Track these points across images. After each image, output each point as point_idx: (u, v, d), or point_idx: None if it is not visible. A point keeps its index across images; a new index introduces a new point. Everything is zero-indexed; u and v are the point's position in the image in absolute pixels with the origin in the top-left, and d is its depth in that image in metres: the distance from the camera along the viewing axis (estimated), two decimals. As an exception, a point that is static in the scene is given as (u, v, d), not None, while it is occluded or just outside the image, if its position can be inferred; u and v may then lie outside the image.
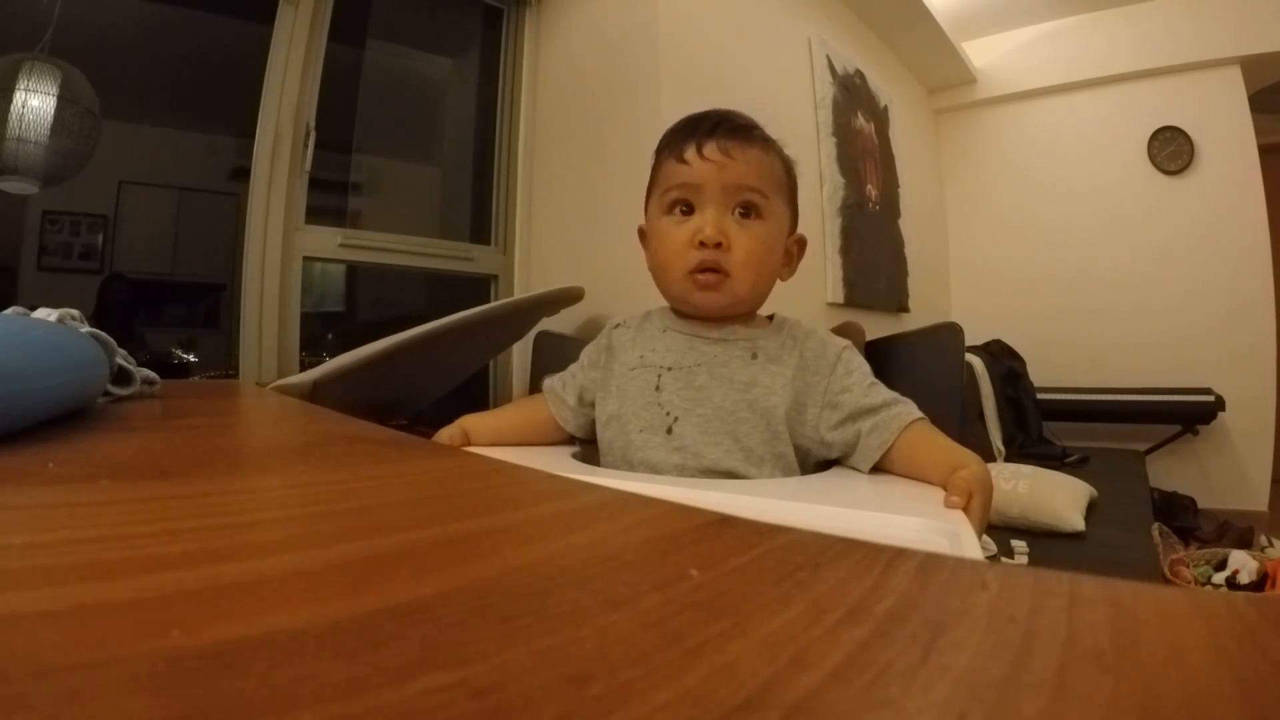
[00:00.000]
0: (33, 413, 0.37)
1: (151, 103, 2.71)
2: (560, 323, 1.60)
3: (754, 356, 0.68)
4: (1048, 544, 1.57)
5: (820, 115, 2.29)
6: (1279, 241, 2.78)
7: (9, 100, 1.50)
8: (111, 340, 0.56)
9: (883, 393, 0.65)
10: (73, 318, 0.58)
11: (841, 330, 1.14)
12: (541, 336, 1.63)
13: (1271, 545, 1.95)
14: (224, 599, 0.14)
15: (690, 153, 0.68)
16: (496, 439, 0.74)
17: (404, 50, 2.31)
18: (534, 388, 0.87)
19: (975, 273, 3.38)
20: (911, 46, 3.00)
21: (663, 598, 0.15)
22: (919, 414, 0.63)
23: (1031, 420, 2.71)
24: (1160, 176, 2.94)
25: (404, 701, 0.10)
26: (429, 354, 1.06)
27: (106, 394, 0.56)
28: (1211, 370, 2.70)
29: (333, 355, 1.14)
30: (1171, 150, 2.91)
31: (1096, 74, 3.05)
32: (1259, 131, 2.77)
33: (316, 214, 1.73)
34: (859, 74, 2.61)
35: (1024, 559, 1.50)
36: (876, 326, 1.66)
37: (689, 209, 0.69)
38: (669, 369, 0.69)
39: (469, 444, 0.72)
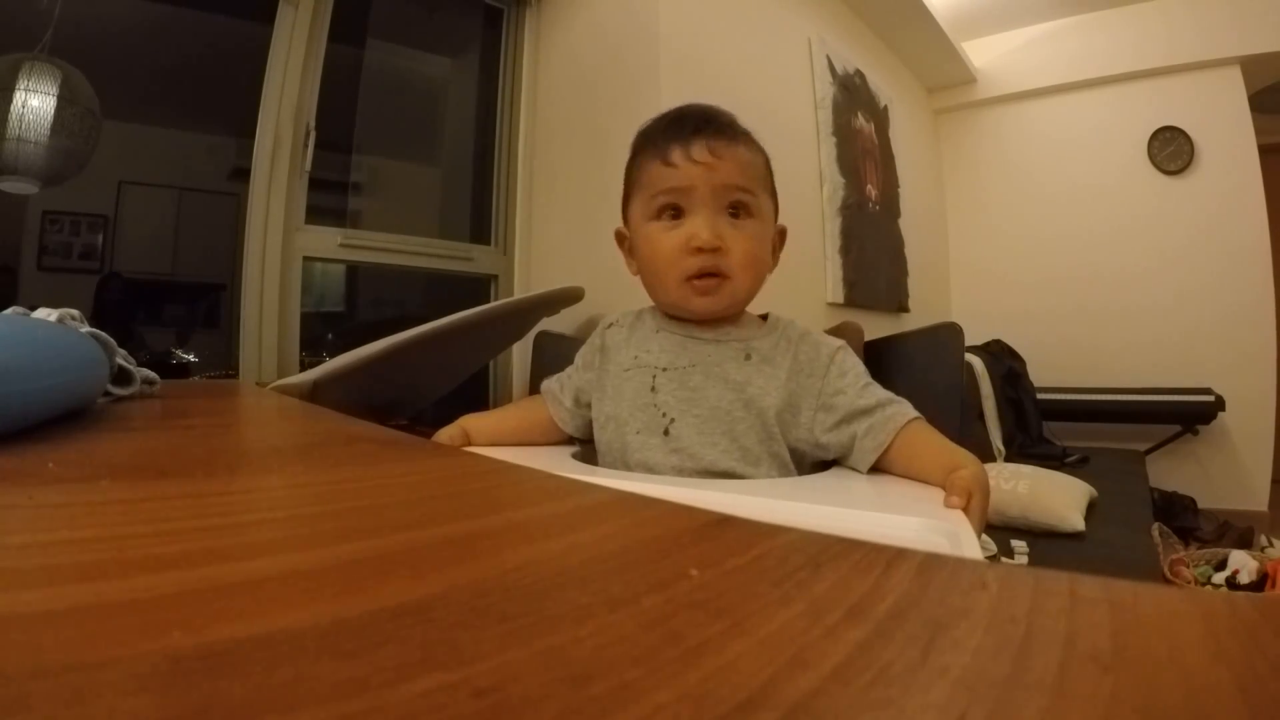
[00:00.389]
0: (33, 413, 0.37)
1: (151, 103, 2.71)
2: (560, 323, 1.60)
3: (748, 357, 0.68)
4: (1048, 544, 1.57)
5: (820, 115, 2.29)
6: (1279, 241, 2.78)
7: (9, 100, 1.50)
8: (111, 340, 0.56)
9: (877, 393, 0.65)
10: (73, 318, 0.58)
11: (839, 330, 1.14)
12: (541, 336, 1.63)
13: (1271, 545, 1.95)
14: (224, 599, 0.14)
15: (677, 155, 0.66)
16: (496, 439, 0.74)
17: (404, 50, 2.31)
18: (534, 388, 0.87)
19: (975, 273, 3.38)
20: (911, 46, 3.00)
21: (663, 598, 0.15)
22: (915, 413, 0.62)
23: (1031, 420, 2.71)
24: (1160, 176, 2.94)
25: (404, 701, 0.10)
26: (429, 354, 1.06)
27: (106, 394, 0.56)
28: (1211, 370, 2.70)
29: (333, 355, 1.14)
30: (1171, 150, 2.91)
31: (1096, 74, 3.05)
32: (1259, 131, 2.77)
33: (316, 214, 1.73)
34: (859, 74, 2.61)
35: (1024, 559, 1.50)
36: (876, 327, 1.66)
37: (678, 213, 0.67)
38: (663, 369, 0.69)
39: (469, 444, 0.72)
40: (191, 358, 2.49)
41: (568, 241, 1.93)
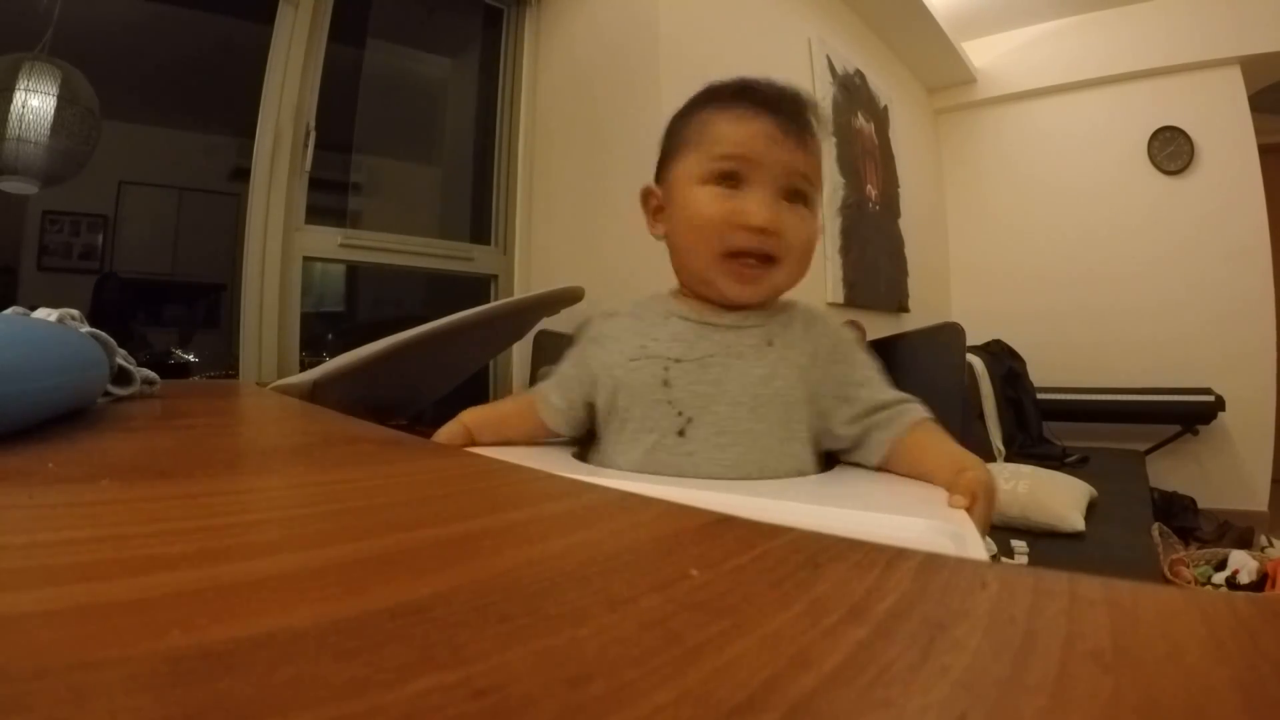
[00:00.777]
0: (33, 413, 0.37)
1: (151, 103, 2.71)
2: (560, 323, 1.60)
3: (769, 344, 0.63)
4: (1048, 544, 1.57)
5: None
6: (1279, 241, 2.78)
7: (9, 100, 1.50)
8: (111, 340, 0.56)
9: (892, 389, 0.63)
10: (73, 318, 0.58)
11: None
12: (542, 336, 1.63)
13: (1271, 545, 1.95)
14: (224, 599, 0.14)
15: (752, 120, 0.60)
16: (498, 433, 0.72)
17: (404, 50, 2.31)
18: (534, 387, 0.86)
19: (975, 273, 3.38)
20: (911, 46, 3.00)
21: (663, 598, 0.15)
22: (927, 414, 0.61)
23: (1031, 420, 2.71)
24: (1160, 176, 2.94)
25: (404, 701, 0.10)
26: (429, 354, 1.06)
27: (106, 394, 0.56)
28: (1211, 370, 2.70)
29: (333, 355, 1.14)
30: (1171, 150, 2.91)
31: (1096, 74, 3.05)
32: (1259, 131, 2.77)
33: (316, 214, 1.73)
34: (859, 74, 2.61)
35: (1024, 559, 1.50)
36: (876, 326, 1.66)
37: (734, 182, 0.61)
38: (677, 360, 0.62)
39: (470, 439, 0.70)
40: (191, 358, 2.49)
41: (568, 241, 1.93)
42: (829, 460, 0.66)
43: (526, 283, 2.00)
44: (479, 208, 2.10)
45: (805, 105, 0.64)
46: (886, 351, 0.68)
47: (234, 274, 1.73)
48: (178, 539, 0.19)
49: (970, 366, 2.55)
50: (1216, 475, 2.74)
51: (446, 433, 0.70)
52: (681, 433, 0.61)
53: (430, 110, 2.43)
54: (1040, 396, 2.80)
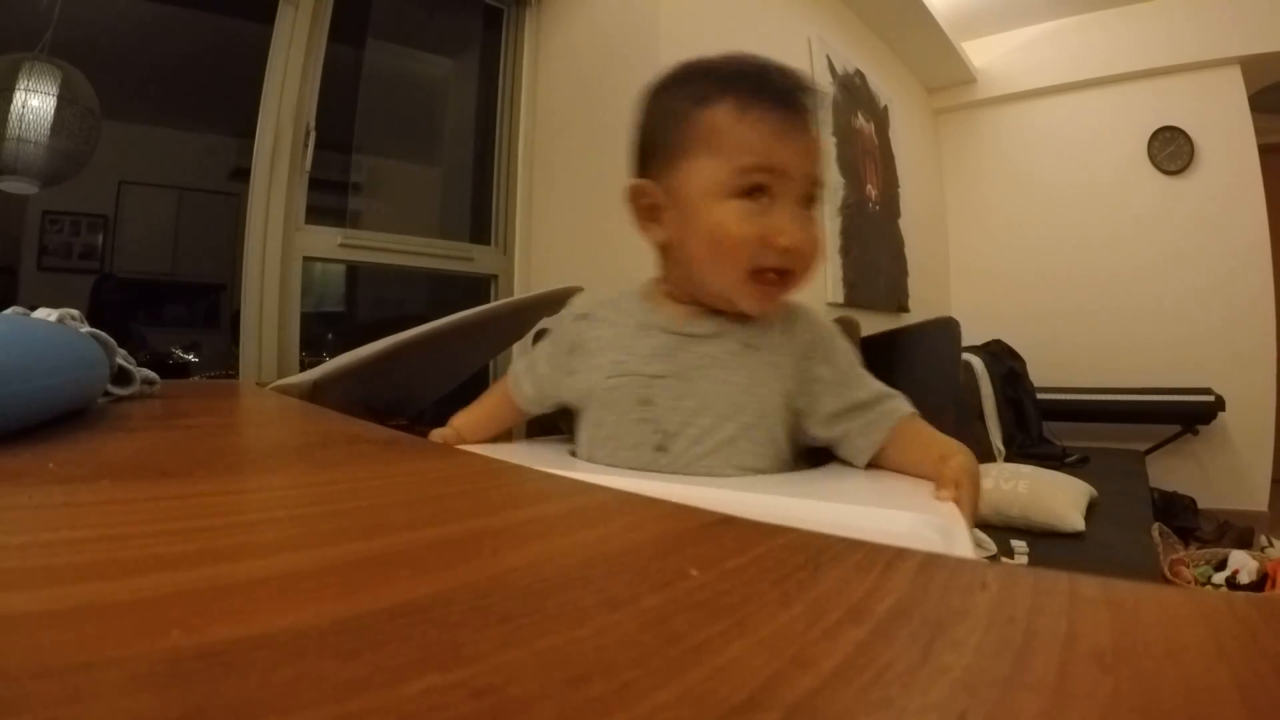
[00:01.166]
0: (33, 413, 0.37)
1: (151, 103, 2.71)
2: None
3: (748, 347, 0.61)
4: (1048, 544, 1.57)
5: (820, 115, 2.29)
6: (1279, 241, 2.78)
7: (9, 100, 1.50)
8: (111, 340, 0.56)
9: (871, 384, 0.62)
10: (73, 318, 0.58)
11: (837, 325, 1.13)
12: (542, 335, 1.62)
13: (1271, 545, 1.95)
14: (224, 599, 0.14)
15: (776, 122, 0.56)
16: (487, 430, 0.72)
17: (404, 50, 2.31)
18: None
19: (975, 273, 3.38)
20: (911, 46, 3.00)
21: (663, 598, 0.15)
22: (909, 408, 0.60)
23: (1031, 420, 2.71)
24: (1160, 176, 2.94)
25: (404, 701, 0.10)
26: (429, 354, 1.06)
27: (106, 394, 0.56)
28: (1211, 370, 2.70)
29: (333, 355, 1.14)
30: (1171, 150, 2.91)
31: (1096, 74, 3.05)
32: (1259, 131, 2.77)
33: (316, 214, 1.73)
34: (859, 74, 2.61)
35: (1024, 559, 1.50)
36: (876, 327, 1.66)
37: (760, 194, 0.56)
38: (658, 377, 0.60)
39: (461, 441, 0.70)
40: (192, 358, 2.49)
41: (568, 241, 1.93)
42: (816, 458, 0.65)
43: (526, 283, 2.00)
44: (479, 208, 2.10)
45: (810, 91, 0.60)
46: (883, 346, 0.67)
47: (234, 274, 1.73)
48: (178, 539, 0.19)
49: (970, 366, 2.55)
50: (1216, 475, 2.74)
51: (438, 436, 0.70)
52: (662, 448, 0.59)
53: (430, 110, 2.43)
54: (1040, 396, 2.80)
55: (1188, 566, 1.70)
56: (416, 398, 1.28)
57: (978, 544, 0.48)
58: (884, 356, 0.64)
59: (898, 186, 2.85)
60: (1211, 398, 2.61)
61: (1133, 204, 2.98)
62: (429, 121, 2.43)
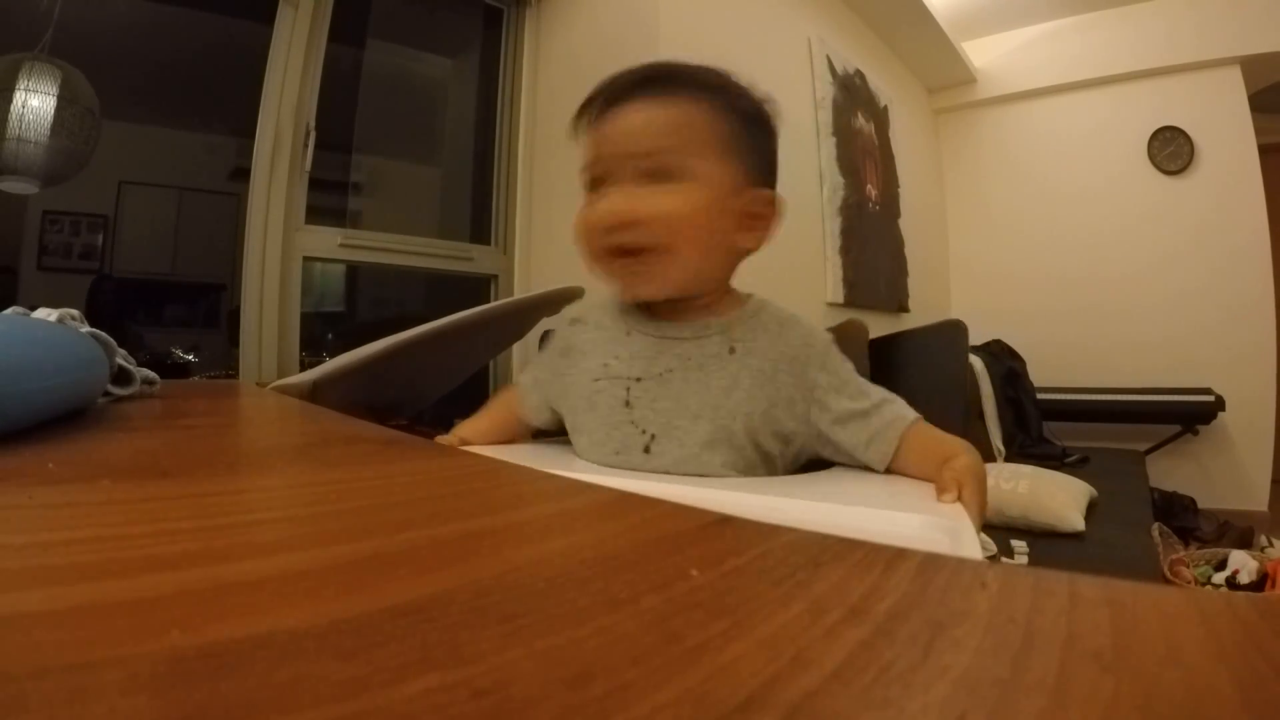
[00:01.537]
0: (33, 413, 0.37)
1: (151, 103, 2.71)
2: (560, 322, 1.60)
3: (731, 351, 0.61)
4: (1048, 544, 1.57)
5: (820, 115, 2.29)
6: (1279, 241, 2.78)
7: (9, 100, 1.50)
8: (111, 340, 0.56)
9: (871, 393, 0.61)
10: (73, 318, 0.58)
11: (845, 328, 1.12)
12: (547, 336, 1.62)
13: (1271, 545, 1.95)
14: (224, 599, 0.14)
15: (609, 118, 0.60)
16: (493, 438, 0.73)
17: (404, 50, 2.31)
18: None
19: (975, 273, 3.38)
20: (911, 46, 3.00)
21: (663, 598, 0.15)
22: (913, 414, 0.60)
23: (1031, 420, 2.71)
24: (1160, 176, 2.94)
25: (404, 701, 0.10)
26: (429, 354, 1.06)
27: (106, 394, 0.56)
28: (1211, 370, 2.70)
29: (333, 355, 1.14)
30: (1171, 150, 2.91)
31: (1096, 74, 3.05)
32: (1259, 131, 2.77)
33: (316, 214, 1.73)
34: (859, 74, 2.61)
35: (1024, 559, 1.50)
36: (876, 326, 1.66)
37: (599, 187, 0.61)
38: (638, 379, 0.61)
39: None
40: (191, 358, 2.49)
41: (568, 241, 1.93)
42: (816, 464, 0.65)
43: (526, 283, 2.00)
44: (479, 208, 2.10)
45: (667, 74, 0.61)
46: (889, 349, 0.66)
47: (234, 274, 1.73)
48: (178, 539, 0.19)
49: (970, 366, 2.55)
50: (1216, 475, 2.74)
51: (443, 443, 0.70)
52: (647, 449, 0.60)
53: (430, 110, 2.43)
54: (1040, 396, 2.80)
55: (1188, 566, 1.70)
56: (416, 398, 1.28)
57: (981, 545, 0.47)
58: (892, 359, 0.64)
59: (898, 186, 2.85)
60: (1211, 398, 2.61)
61: (1133, 204, 2.98)
62: (429, 121, 2.43)
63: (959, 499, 0.48)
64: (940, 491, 0.50)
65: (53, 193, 2.13)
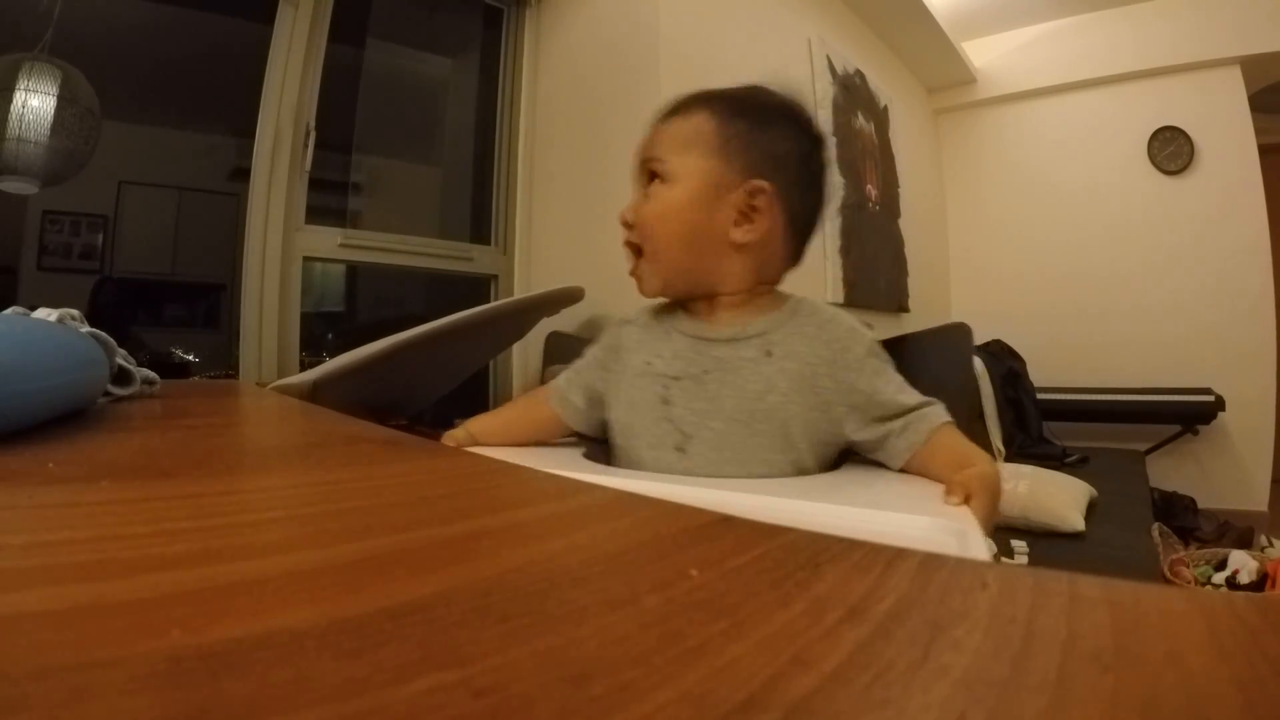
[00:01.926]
0: (33, 413, 0.37)
1: (151, 103, 2.71)
2: (563, 322, 1.60)
3: (769, 354, 0.62)
4: (1048, 544, 1.57)
5: (820, 115, 2.29)
6: (1279, 241, 2.78)
7: (9, 100, 1.50)
8: (111, 340, 0.56)
9: (913, 394, 0.61)
10: (73, 318, 0.58)
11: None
12: (553, 338, 1.62)
13: (1271, 545, 1.95)
14: (224, 599, 0.14)
15: (641, 142, 0.68)
16: (503, 439, 0.73)
17: (404, 50, 2.31)
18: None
19: (975, 273, 3.38)
20: (911, 46, 3.00)
21: (663, 598, 0.15)
22: (947, 417, 0.60)
23: (1031, 420, 2.71)
24: (1160, 176, 2.94)
25: (404, 701, 0.10)
26: (429, 354, 1.06)
27: (106, 394, 0.56)
28: (1211, 370, 2.70)
29: (333, 355, 1.14)
30: (1171, 150, 2.91)
31: (1096, 74, 3.05)
32: (1259, 131, 2.77)
33: (316, 214, 1.73)
34: (859, 74, 2.61)
35: (1024, 559, 1.50)
36: (877, 326, 1.66)
37: None
38: (676, 379, 0.63)
39: (475, 445, 0.70)
40: (191, 358, 2.49)
41: (568, 241, 1.93)
42: (838, 465, 0.65)
43: (526, 283, 2.00)
44: (479, 208, 2.10)
45: (691, 98, 0.66)
46: (893, 352, 0.66)
47: (234, 274, 1.73)
48: (178, 539, 0.19)
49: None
50: (1216, 475, 2.74)
51: (451, 439, 0.70)
52: (681, 449, 0.61)
53: (430, 110, 2.43)
54: (1040, 396, 2.80)
55: (1188, 566, 1.70)
56: (416, 398, 1.28)
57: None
58: (897, 360, 0.64)
59: (898, 186, 2.85)
60: (1211, 398, 2.61)
61: (1133, 204, 2.98)
62: (429, 121, 2.43)
63: (964, 504, 0.48)
64: (946, 494, 0.50)
65: (53, 193, 2.13)
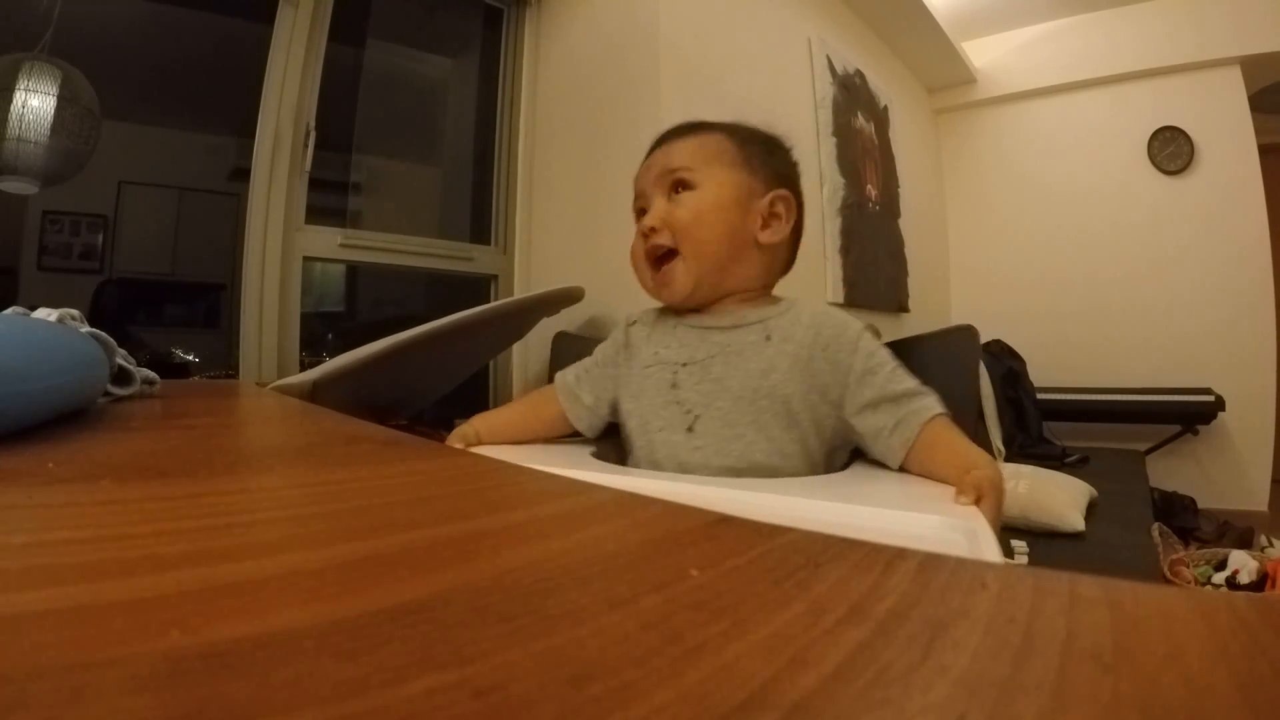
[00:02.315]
0: (33, 413, 0.37)
1: (151, 103, 2.71)
2: (564, 322, 1.60)
3: (768, 338, 0.67)
4: (1048, 544, 1.57)
5: (820, 115, 2.29)
6: (1279, 241, 2.78)
7: (9, 100, 1.50)
8: (111, 340, 0.56)
9: (906, 379, 0.64)
10: (73, 318, 0.58)
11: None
12: (560, 339, 1.62)
13: (1271, 545, 1.95)
14: (224, 599, 0.14)
15: (650, 160, 0.72)
16: (509, 436, 0.74)
17: (404, 50, 2.31)
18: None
19: (975, 273, 3.38)
20: (911, 46, 3.00)
21: (663, 598, 0.15)
22: (940, 408, 0.62)
23: (1031, 420, 2.71)
24: (1160, 176, 2.94)
25: (404, 701, 0.10)
26: (429, 354, 1.06)
27: (106, 394, 0.56)
28: (1211, 370, 2.70)
29: (333, 355, 1.14)
30: (1171, 150, 2.91)
31: (1096, 74, 3.05)
32: (1259, 131, 2.77)
33: (316, 214, 1.73)
34: (859, 74, 2.61)
35: (1024, 559, 1.50)
36: (877, 326, 1.66)
37: (643, 214, 0.72)
38: (684, 365, 0.68)
39: (482, 443, 0.72)
40: (192, 358, 2.49)
41: (568, 241, 1.93)
42: (847, 466, 0.66)
43: (526, 283, 2.00)
44: (479, 208, 2.09)
45: (689, 125, 0.72)
46: (898, 354, 0.67)
47: (234, 274, 1.73)
48: (178, 539, 0.19)
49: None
50: (1216, 475, 2.74)
51: (459, 435, 0.72)
52: (690, 429, 0.65)
53: (430, 110, 2.43)
54: (1040, 396, 2.80)
55: (1188, 566, 1.70)
56: (416, 398, 1.28)
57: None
58: (903, 362, 0.65)
59: (898, 186, 2.84)
60: (1211, 398, 2.61)
61: (1133, 204, 2.98)
62: (429, 121, 2.43)
63: (975, 504, 0.49)
64: (958, 494, 0.50)
65: (53, 193, 2.13)
